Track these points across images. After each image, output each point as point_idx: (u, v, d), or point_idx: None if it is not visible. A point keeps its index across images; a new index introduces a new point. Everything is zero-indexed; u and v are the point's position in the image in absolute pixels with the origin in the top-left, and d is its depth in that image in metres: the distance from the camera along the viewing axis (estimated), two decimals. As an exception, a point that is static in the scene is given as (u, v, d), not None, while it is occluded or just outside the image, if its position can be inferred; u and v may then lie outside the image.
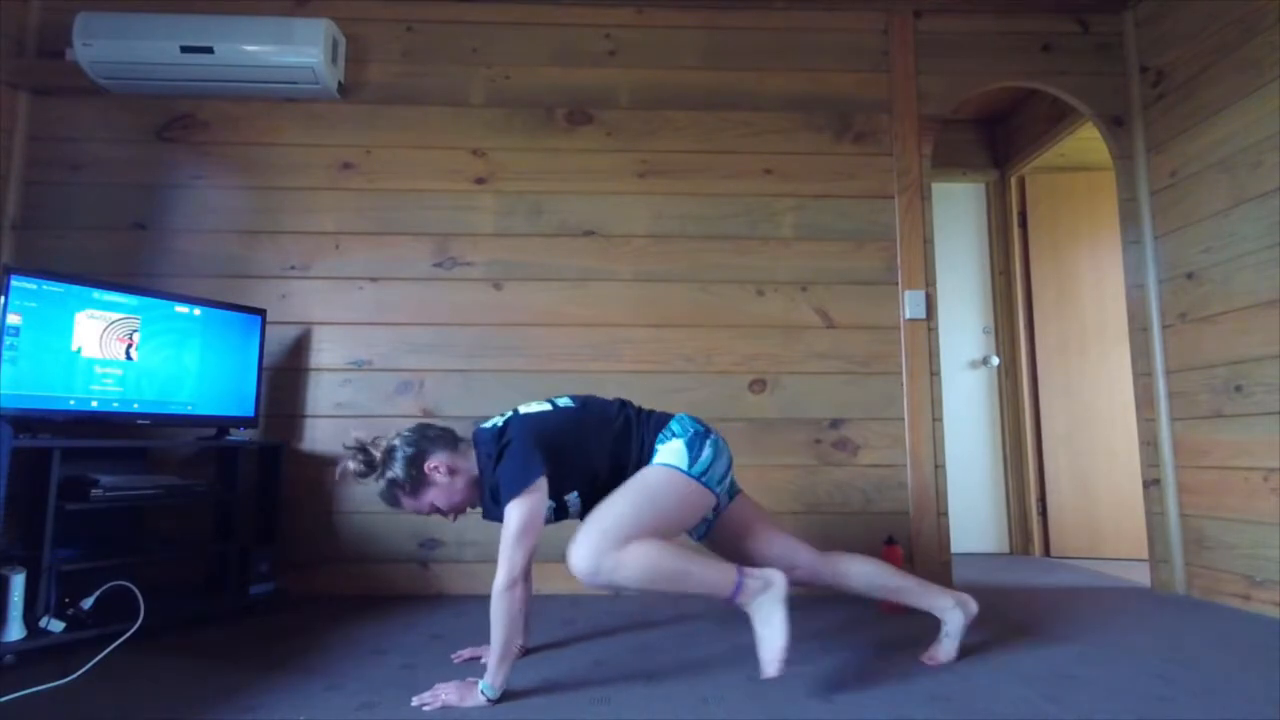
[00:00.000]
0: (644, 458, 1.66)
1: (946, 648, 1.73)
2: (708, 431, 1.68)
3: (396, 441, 1.59)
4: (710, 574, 1.48)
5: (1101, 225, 3.50)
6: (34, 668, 1.66)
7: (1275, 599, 2.19)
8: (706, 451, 1.63)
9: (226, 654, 1.80)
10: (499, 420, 1.65)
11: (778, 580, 1.50)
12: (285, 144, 2.69)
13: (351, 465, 1.58)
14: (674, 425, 1.69)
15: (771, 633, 1.45)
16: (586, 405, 1.69)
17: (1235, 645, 1.89)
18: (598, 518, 1.49)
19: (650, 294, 2.66)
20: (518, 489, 1.47)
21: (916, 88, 2.77)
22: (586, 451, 1.61)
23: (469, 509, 1.66)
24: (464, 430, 1.75)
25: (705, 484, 1.61)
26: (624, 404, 1.74)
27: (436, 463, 1.58)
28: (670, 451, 1.62)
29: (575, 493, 1.63)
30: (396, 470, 1.56)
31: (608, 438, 1.64)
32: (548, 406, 1.66)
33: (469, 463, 1.63)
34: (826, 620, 2.14)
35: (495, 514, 1.56)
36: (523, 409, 1.66)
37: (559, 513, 1.66)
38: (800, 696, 1.51)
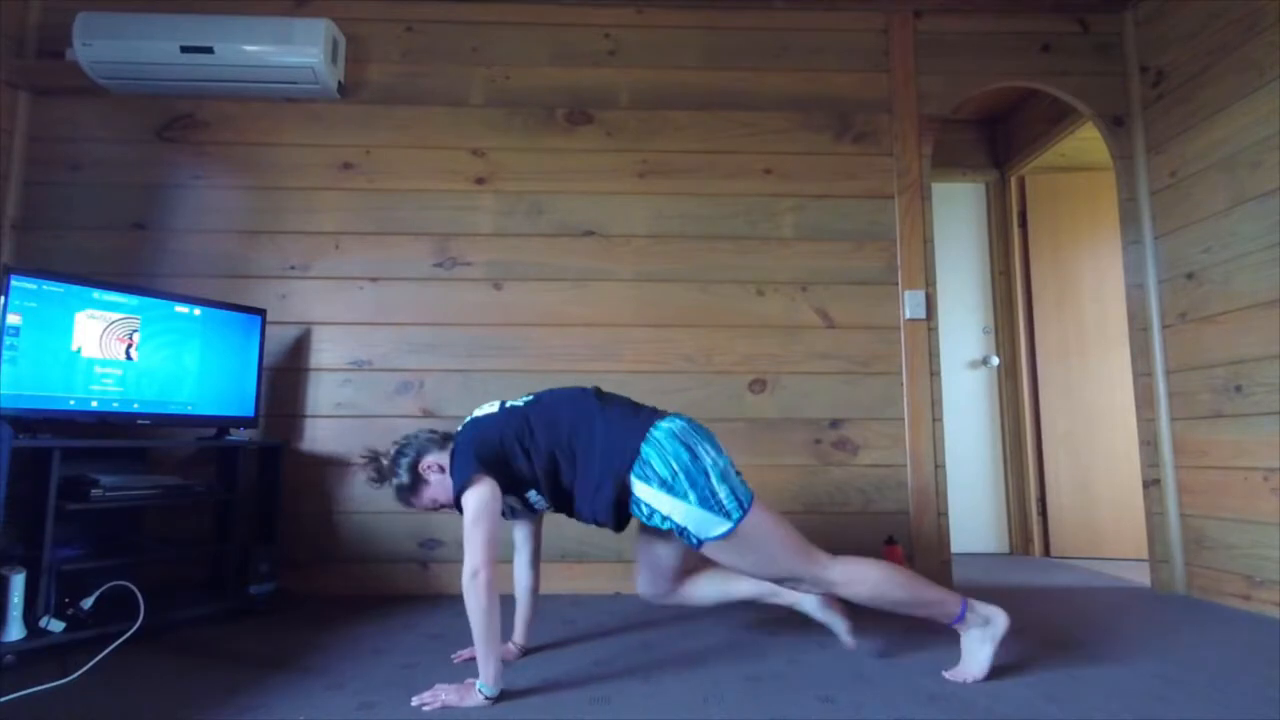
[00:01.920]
0: (614, 463, 1.55)
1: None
2: (695, 457, 1.54)
3: (394, 450, 1.69)
4: (935, 594, 1.61)
5: (1101, 225, 3.50)
6: (34, 668, 1.66)
7: (1275, 599, 2.19)
8: (721, 491, 1.53)
9: (226, 654, 1.80)
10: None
11: (999, 620, 1.61)
12: (285, 144, 2.69)
13: (366, 475, 1.70)
14: (672, 482, 1.52)
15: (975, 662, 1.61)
16: (536, 406, 1.66)
17: (1235, 645, 1.89)
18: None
19: (650, 294, 2.66)
20: (461, 484, 1.54)
21: (916, 88, 2.77)
22: (518, 456, 1.59)
23: None
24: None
25: (747, 502, 1.54)
26: (588, 406, 1.64)
27: (429, 463, 1.66)
28: (708, 524, 1.51)
29: (533, 490, 1.65)
30: (401, 476, 1.65)
31: (543, 443, 1.60)
32: (495, 408, 1.69)
33: None
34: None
35: None
36: (477, 411, 1.71)
37: (529, 507, 1.70)
38: (800, 696, 1.51)
